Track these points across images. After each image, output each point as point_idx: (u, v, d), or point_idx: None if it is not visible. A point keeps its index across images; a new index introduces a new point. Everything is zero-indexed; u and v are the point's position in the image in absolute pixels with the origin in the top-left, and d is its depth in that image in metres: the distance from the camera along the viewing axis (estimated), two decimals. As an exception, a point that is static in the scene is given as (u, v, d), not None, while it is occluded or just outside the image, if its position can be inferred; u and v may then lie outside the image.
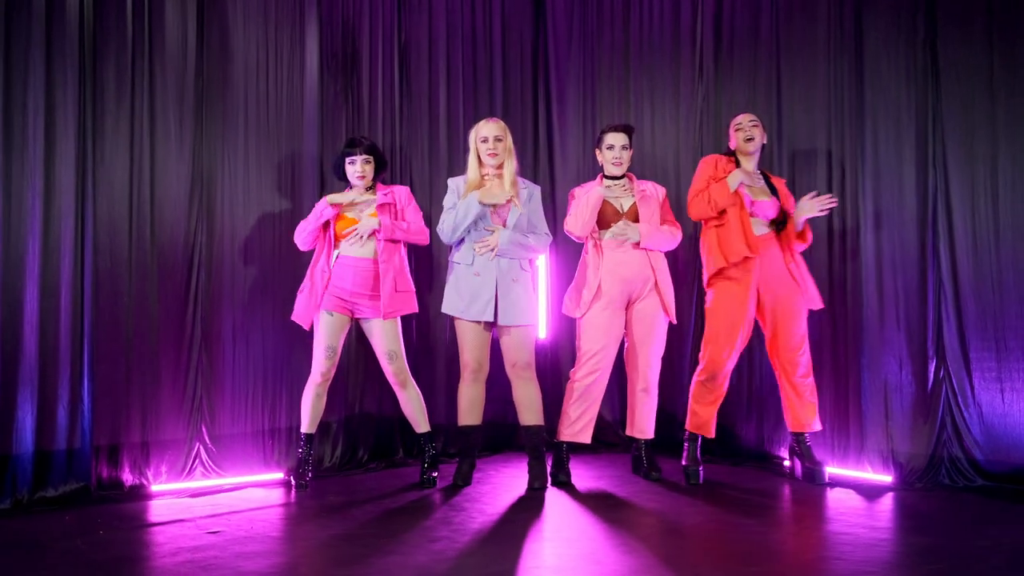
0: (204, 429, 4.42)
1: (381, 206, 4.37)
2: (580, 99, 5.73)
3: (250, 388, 4.59)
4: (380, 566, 2.97)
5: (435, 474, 4.42)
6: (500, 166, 4.39)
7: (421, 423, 4.47)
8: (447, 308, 4.40)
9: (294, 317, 4.40)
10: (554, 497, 4.11)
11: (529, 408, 4.40)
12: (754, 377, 4.95)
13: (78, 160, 4.07)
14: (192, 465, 4.37)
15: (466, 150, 4.54)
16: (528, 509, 3.86)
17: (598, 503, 3.98)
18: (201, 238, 4.45)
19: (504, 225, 4.36)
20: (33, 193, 3.95)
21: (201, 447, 4.41)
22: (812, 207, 4.28)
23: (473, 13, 5.57)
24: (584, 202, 4.42)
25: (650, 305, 4.47)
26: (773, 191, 4.46)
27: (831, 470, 4.47)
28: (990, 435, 4.14)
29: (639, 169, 5.44)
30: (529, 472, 4.37)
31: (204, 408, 4.43)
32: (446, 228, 4.38)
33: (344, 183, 4.54)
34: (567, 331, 5.46)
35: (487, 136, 4.36)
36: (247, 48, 4.65)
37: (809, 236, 4.45)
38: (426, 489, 4.31)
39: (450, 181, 4.48)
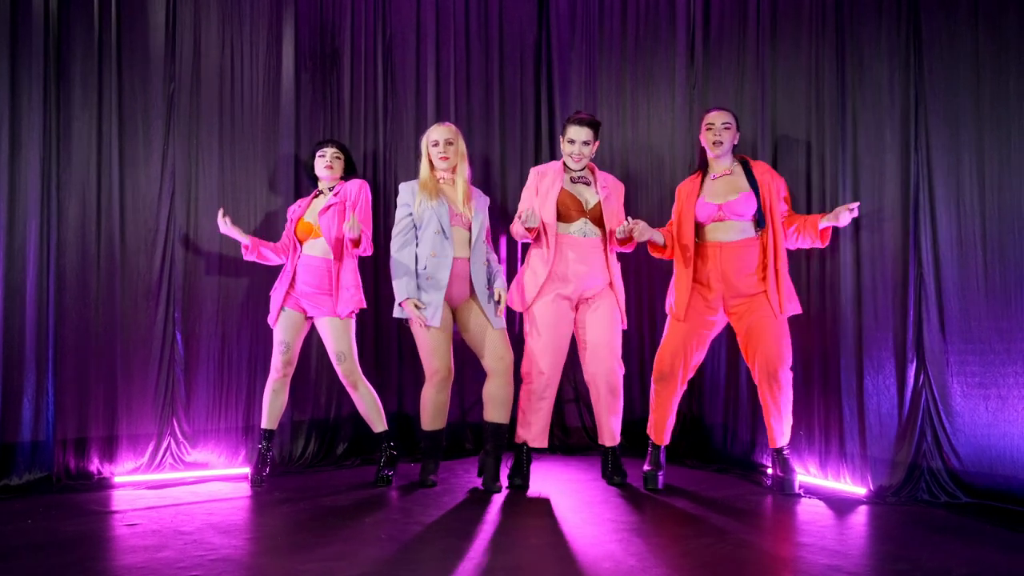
0: (175, 424, 4.53)
1: (324, 210, 4.37)
2: (581, 87, 5.55)
3: (224, 385, 4.67)
4: (252, 565, 2.96)
5: (390, 472, 4.37)
6: (453, 170, 4.31)
7: (376, 423, 4.43)
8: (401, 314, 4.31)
9: (275, 305, 4.45)
10: (497, 500, 3.99)
11: (500, 405, 4.28)
12: (743, 382, 4.66)
13: (43, 163, 4.24)
14: (162, 459, 4.48)
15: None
16: (456, 515, 3.75)
17: (534, 508, 3.84)
18: (173, 237, 4.56)
19: (469, 230, 4.28)
20: (-2, 196, 4.14)
21: (172, 441, 4.52)
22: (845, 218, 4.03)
23: (467, 5, 5.48)
24: (519, 225, 4.28)
25: (606, 304, 4.30)
26: (753, 181, 4.19)
27: (810, 480, 4.18)
28: (973, 447, 3.74)
29: (636, 158, 5.26)
30: (485, 472, 4.27)
31: (177, 403, 4.54)
32: (392, 258, 4.28)
33: (314, 185, 4.59)
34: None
35: (438, 140, 4.29)
36: (221, 50, 4.72)
37: (827, 238, 4.16)
38: (380, 487, 4.28)
39: (402, 186, 4.37)
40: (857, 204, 3.99)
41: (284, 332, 4.36)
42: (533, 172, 4.45)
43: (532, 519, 3.65)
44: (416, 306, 4.16)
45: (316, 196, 4.54)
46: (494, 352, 4.28)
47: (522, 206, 4.37)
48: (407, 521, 3.58)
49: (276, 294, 4.43)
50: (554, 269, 4.24)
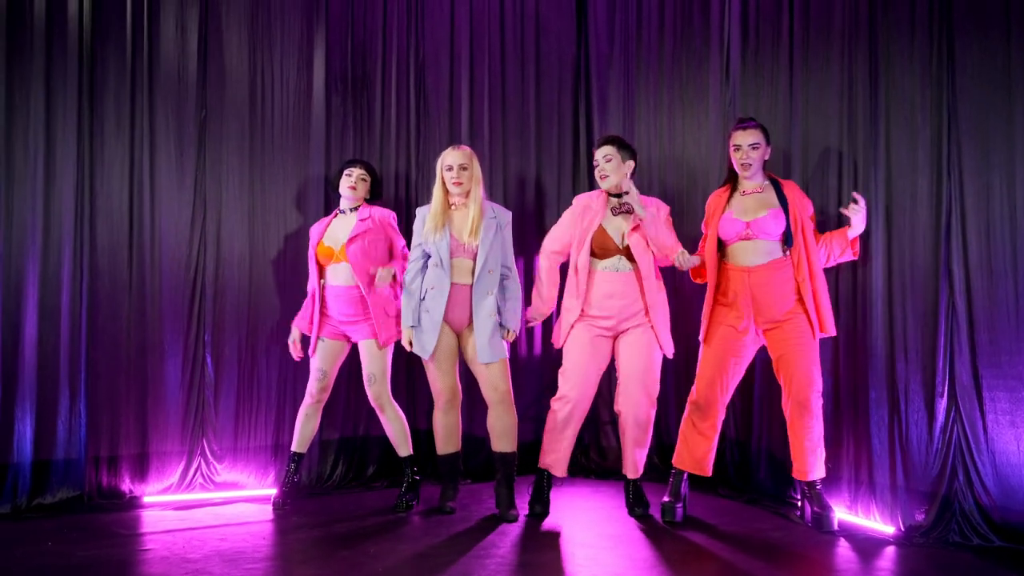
0: (205, 444, 4.62)
1: (352, 239, 4.38)
2: (620, 103, 5.46)
3: (253, 406, 4.74)
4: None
5: (411, 498, 4.38)
6: (467, 194, 4.29)
7: (401, 446, 4.45)
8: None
9: (315, 333, 4.48)
10: (508, 531, 3.94)
11: (503, 435, 4.25)
12: (777, 409, 4.49)
13: (77, 191, 4.37)
14: (192, 479, 4.58)
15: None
16: (461, 548, 3.71)
17: (542, 543, 3.78)
18: (204, 261, 4.65)
19: (474, 259, 4.24)
20: (33, 223, 4.27)
21: (202, 461, 4.61)
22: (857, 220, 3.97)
23: (502, 23, 5.46)
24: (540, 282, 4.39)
25: (640, 336, 4.21)
26: (783, 199, 4.06)
27: (839, 515, 4.00)
28: (1005, 487, 3.54)
29: (673, 174, 5.19)
30: (498, 501, 4.24)
31: (207, 424, 4.63)
32: (404, 286, 4.33)
33: (337, 202, 4.64)
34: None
35: (452, 164, 4.26)
36: (252, 75, 4.80)
37: (857, 247, 4.06)
38: (399, 513, 4.28)
39: (418, 211, 4.38)
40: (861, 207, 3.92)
41: (323, 360, 4.40)
42: (577, 200, 4.42)
43: (537, 555, 3.58)
44: (410, 340, 4.25)
45: (336, 216, 4.55)
46: (489, 383, 4.24)
47: (555, 230, 4.39)
48: (412, 553, 3.57)
49: (303, 323, 4.46)
50: (587, 303, 4.21)
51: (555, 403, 4.25)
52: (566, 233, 4.37)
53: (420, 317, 4.23)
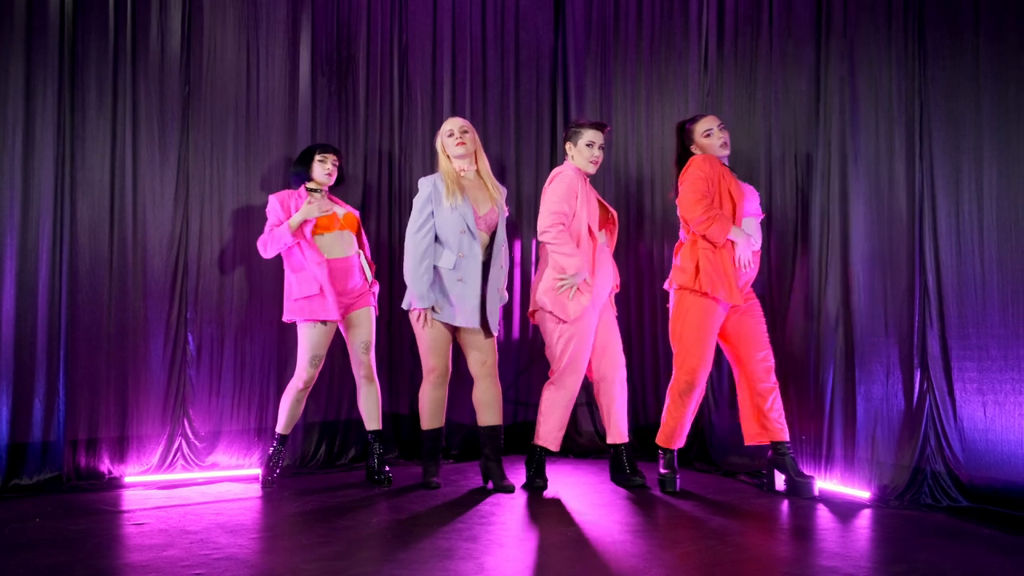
0: (187, 424, 4.58)
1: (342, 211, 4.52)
2: (596, 93, 5.60)
3: (236, 386, 4.71)
4: (256, 564, 3.01)
5: (387, 470, 4.46)
6: (473, 161, 4.35)
7: (373, 420, 4.51)
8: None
9: (306, 317, 4.34)
10: (503, 501, 4.02)
11: (492, 407, 4.33)
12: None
13: (57, 165, 4.30)
14: (173, 459, 4.53)
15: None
16: (459, 515, 3.78)
17: (540, 509, 3.88)
18: (187, 238, 4.61)
19: (491, 232, 4.30)
20: (12, 197, 4.19)
21: (183, 442, 4.57)
22: None
23: (483, 11, 5.55)
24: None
25: (611, 309, 4.48)
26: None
27: (818, 483, 4.18)
28: (972, 452, 3.77)
29: (649, 163, 5.35)
30: (491, 474, 4.32)
31: (188, 404, 4.58)
32: (417, 250, 4.20)
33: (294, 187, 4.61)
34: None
35: (452, 129, 4.31)
36: (237, 54, 4.78)
37: None
38: (382, 486, 4.34)
39: (423, 181, 4.32)
40: None
41: (318, 347, 4.36)
42: (568, 175, 4.32)
43: (538, 520, 3.68)
44: (434, 309, 4.20)
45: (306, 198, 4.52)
46: (478, 357, 4.31)
47: (560, 206, 4.21)
48: (411, 521, 3.63)
49: (306, 303, 4.35)
50: (595, 279, 4.30)
51: (560, 383, 4.33)
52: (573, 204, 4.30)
53: (447, 288, 4.21)
